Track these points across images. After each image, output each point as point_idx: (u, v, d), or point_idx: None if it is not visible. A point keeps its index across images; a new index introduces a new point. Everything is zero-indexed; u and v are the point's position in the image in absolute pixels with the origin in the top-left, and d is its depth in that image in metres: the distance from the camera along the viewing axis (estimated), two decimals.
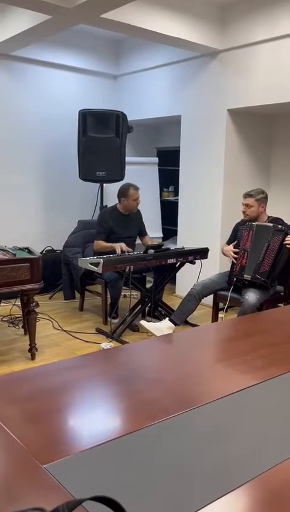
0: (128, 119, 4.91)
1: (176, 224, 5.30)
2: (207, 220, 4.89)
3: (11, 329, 4.16)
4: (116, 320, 4.30)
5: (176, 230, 5.30)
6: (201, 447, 1.10)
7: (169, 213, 5.62)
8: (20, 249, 3.63)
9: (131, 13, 3.85)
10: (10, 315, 4.37)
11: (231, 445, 1.11)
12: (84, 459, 1.04)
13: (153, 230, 5.27)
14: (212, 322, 3.96)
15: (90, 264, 3.68)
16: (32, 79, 5.15)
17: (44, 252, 5.27)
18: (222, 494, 0.93)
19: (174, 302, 4.53)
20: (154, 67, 5.24)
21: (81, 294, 4.72)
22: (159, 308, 4.34)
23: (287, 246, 3.47)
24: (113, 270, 3.77)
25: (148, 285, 4.40)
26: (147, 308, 4.36)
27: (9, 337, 3.97)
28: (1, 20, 4.34)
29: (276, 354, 1.68)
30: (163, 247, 4.13)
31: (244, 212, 3.72)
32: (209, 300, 3.95)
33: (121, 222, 4.32)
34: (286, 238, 3.48)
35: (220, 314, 3.91)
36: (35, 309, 3.46)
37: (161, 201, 5.79)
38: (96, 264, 3.62)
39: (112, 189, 4.85)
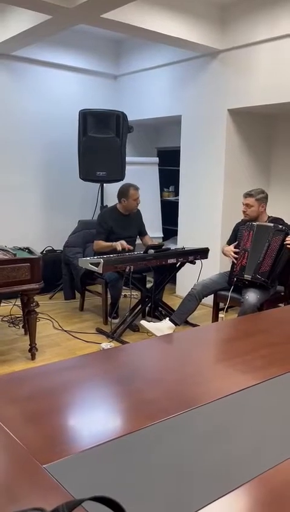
0: (128, 119, 4.91)
1: (176, 224, 5.30)
2: (207, 220, 4.89)
3: (11, 329, 4.16)
4: (116, 320, 4.30)
5: (177, 230, 5.30)
6: (201, 447, 1.10)
7: (169, 213, 5.62)
8: (20, 249, 3.63)
9: (131, 13, 3.85)
10: (10, 315, 4.37)
11: (231, 445, 1.11)
12: (84, 459, 1.04)
13: (154, 230, 5.27)
14: (212, 322, 3.96)
15: (91, 264, 3.68)
16: (33, 79, 5.15)
17: (44, 252, 5.27)
18: (222, 494, 0.93)
19: (174, 302, 4.53)
20: (155, 67, 5.24)
21: (82, 294, 4.72)
22: (160, 308, 4.34)
23: (287, 246, 3.47)
24: (114, 270, 3.77)
25: (149, 285, 4.40)
26: (147, 308, 4.36)
27: (9, 337, 3.97)
28: (1, 20, 4.34)
29: (276, 354, 1.68)
30: (163, 247, 4.13)
31: (244, 212, 3.72)
32: (209, 300, 3.95)
33: (120, 222, 4.31)
34: (287, 238, 3.48)
35: (221, 314, 3.91)
36: (35, 309, 3.46)
37: (161, 201, 5.79)
38: (97, 264, 3.62)
39: (112, 189, 4.85)
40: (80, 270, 4.38)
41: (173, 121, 5.32)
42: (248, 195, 3.68)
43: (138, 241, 4.53)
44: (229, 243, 3.90)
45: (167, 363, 1.64)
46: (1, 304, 4.25)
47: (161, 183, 5.77)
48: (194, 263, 4.18)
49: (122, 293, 4.50)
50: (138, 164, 5.53)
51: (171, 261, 3.99)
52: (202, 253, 4.16)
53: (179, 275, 4.76)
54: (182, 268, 4.28)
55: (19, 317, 4.28)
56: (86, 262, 3.75)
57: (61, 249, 4.91)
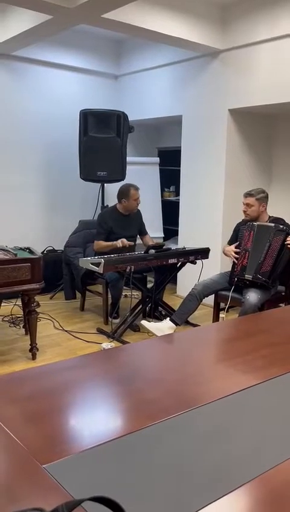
0: (129, 119, 4.91)
1: (177, 224, 5.30)
2: (208, 220, 4.89)
3: (12, 329, 4.17)
4: (117, 320, 4.30)
5: (177, 230, 5.30)
6: (201, 447, 1.10)
7: (170, 213, 5.62)
8: (21, 249, 3.64)
9: (132, 13, 3.85)
10: (11, 315, 4.37)
11: (231, 445, 1.11)
12: (84, 459, 1.04)
13: (154, 230, 5.27)
14: (213, 322, 3.95)
15: (91, 264, 3.68)
16: (33, 79, 5.16)
17: (45, 252, 5.27)
18: (222, 494, 0.93)
19: (175, 302, 4.53)
20: (155, 67, 5.24)
21: (82, 294, 4.72)
22: (160, 308, 4.34)
23: (288, 246, 3.47)
24: (114, 270, 3.77)
25: (149, 285, 4.40)
26: (147, 308, 4.36)
27: (10, 337, 3.97)
28: (2, 20, 4.34)
29: (277, 354, 1.68)
30: (164, 247, 4.13)
31: (245, 211, 3.72)
32: (210, 300, 3.95)
33: (120, 222, 4.31)
34: (288, 238, 3.48)
35: (221, 314, 3.91)
36: (36, 309, 3.46)
37: (162, 201, 5.79)
38: (98, 264, 3.62)
39: (112, 189, 4.85)
40: (80, 270, 4.38)
41: (174, 121, 5.32)
42: (248, 195, 3.68)
43: (139, 241, 4.53)
44: (230, 242, 3.90)
45: (168, 363, 1.64)
46: (2, 304, 4.25)
47: (161, 183, 5.77)
48: (195, 263, 4.18)
49: (123, 293, 4.50)
50: (139, 164, 5.53)
51: (171, 261, 3.99)
52: (203, 253, 4.16)
53: (179, 275, 4.76)
54: (183, 269, 4.28)
55: (19, 317, 4.28)
56: (86, 262, 3.75)
57: (62, 249, 4.91)
